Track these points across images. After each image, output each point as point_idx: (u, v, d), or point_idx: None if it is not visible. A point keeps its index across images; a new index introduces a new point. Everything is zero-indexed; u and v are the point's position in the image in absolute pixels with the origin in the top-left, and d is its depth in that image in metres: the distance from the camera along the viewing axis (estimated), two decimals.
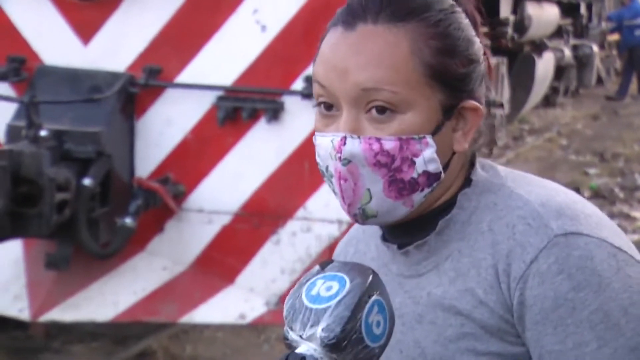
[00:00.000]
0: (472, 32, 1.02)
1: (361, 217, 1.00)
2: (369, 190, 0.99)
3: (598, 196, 6.65)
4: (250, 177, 3.18)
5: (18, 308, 3.21)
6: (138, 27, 3.23)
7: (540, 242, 0.97)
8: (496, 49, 5.24)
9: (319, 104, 1.01)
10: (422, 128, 0.98)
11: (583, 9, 10.82)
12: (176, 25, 3.21)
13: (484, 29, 1.07)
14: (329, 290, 0.91)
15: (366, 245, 1.11)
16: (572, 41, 10.49)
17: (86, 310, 3.20)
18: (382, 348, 0.92)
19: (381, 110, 0.97)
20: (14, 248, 3.22)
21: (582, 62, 11.49)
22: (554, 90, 10.93)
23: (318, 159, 1.01)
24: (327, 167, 1.00)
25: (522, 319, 0.98)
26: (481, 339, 0.99)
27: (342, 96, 0.98)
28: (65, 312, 3.19)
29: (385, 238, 1.06)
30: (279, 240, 3.18)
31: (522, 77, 6.70)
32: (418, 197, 1.00)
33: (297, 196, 3.15)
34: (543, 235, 0.97)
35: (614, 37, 13.02)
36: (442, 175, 1.00)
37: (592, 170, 7.72)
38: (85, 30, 3.27)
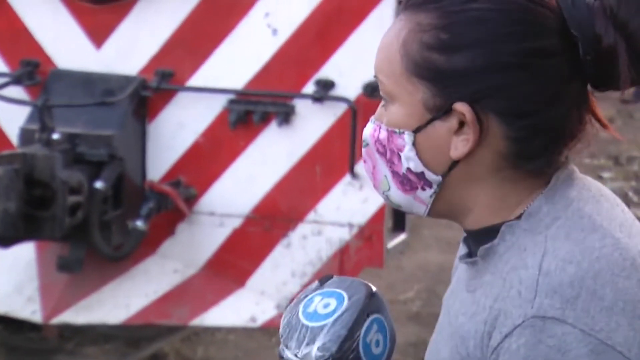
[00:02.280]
0: (517, 30, 0.90)
1: (388, 201, 0.99)
2: (386, 177, 0.97)
3: None
4: (262, 180, 3.19)
5: (31, 310, 3.23)
6: (150, 30, 3.25)
7: (517, 318, 0.88)
8: None
9: None
10: (405, 123, 0.94)
11: None
12: (188, 29, 3.23)
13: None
14: (327, 307, 0.88)
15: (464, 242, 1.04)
16: None
17: (98, 313, 3.21)
18: None
19: (381, 98, 0.98)
20: (27, 250, 3.24)
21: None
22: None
23: None
24: None
25: None
26: None
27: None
28: (78, 315, 3.21)
29: (466, 240, 1.02)
30: (289, 244, 3.19)
31: None
32: (424, 196, 0.95)
33: (308, 199, 3.16)
34: (522, 311, 0.87)
35: None
36: (434, 177, 0.94)
37: (606, 174, 7.68)
38: (98, 34, 3.29)
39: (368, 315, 0.87)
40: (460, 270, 1.04)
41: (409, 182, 0.96)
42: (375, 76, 0.98)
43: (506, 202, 0.95)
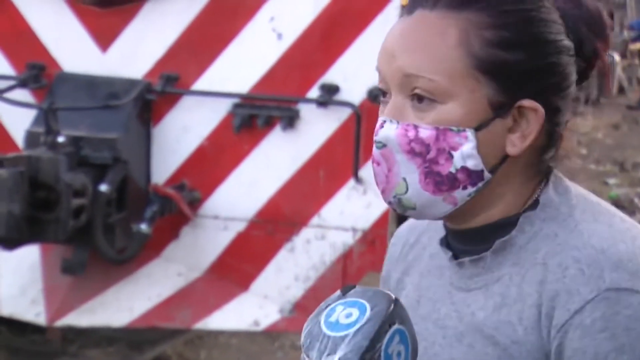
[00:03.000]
0: (551, 31, 0.95)
1: (397, 206, 0.96)
2: (404, 179, 0.95)
3: (617, 206, 6.58)
4: (266, 184, 3.20)
5: (35, 312, 3.24)
6: (156, 34, 3.26)
7: (589, 293, 0.90)
8: None
9: (379, 91, 0.99)
10: (463, 121, 0.93)
11: None
12: (193, 33, 3.24)
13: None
14: (349, 317, 0.87)
15: (429, 239, 1.07)
16: None
17: (102, 316, 3.22)
18: None
19: (420, 98, 0.94)
20: (31, 253, 3.25)
21: (603, 70, 11.40)
22: (574, 99, 10.85)
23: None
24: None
25: None
26: None
27: (390, 80, 0.96)
28: (81, 317, 3.21)
29: (447, 242, 1.02)
30: (293, 248, 3.19)
31: None
32: (461, 195, 0.95)
33: (312, 204, 3.16)
34: (593, 286, 0.91)
35: (636, 46, 12.93)
36: (486, 175, 0.95)
37: (611, 180, 7.66)
38: (104, 37, 3.30)
39: (390, 326, 0.86)
40: (426, 279, 1.03)
41: (451, 181, 0.94)
42: (407, 75, 0.94)
43: (522, 197, 0.98)
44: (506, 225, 0.97)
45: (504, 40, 0.94)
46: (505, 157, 0.96)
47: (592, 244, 0.93)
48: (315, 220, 3.16)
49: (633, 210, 6.53)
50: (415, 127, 0.94)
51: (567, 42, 0.97)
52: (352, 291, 0.91)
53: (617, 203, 6.70)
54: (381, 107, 0.99)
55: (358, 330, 0.86)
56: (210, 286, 3.24)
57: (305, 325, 0.91)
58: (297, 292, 3.16)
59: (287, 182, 3.18)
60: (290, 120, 3.15)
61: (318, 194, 3.15)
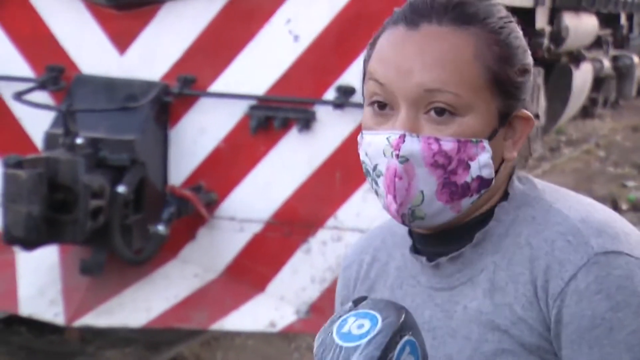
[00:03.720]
0: (525, 41, 1.02)
1: (409, 218, 0.98)
2: (422, 192, 0.97)
3: (636, 209, 6.55)
4: (282, 186, 3.20)
5: (53, 313, 3.26)
6: (173, 37, 3.28)
7: (579, 260, 0.95)
8: (533, 60, 5.21)
9: (372, 103, 1.00)
10: (480, 132, 0.97)
11: (623, 20, 10.67)
12: (210, 35, 3.25)
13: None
14: (361, 328, 0.89)
15: (389, 255, 1.08)
16: (612, 52, 10.34)
17: (119, 316, 3.24)
18: None
19: (440, 111, 0.96)
20: (50, 254, 3.28)
21: (622, 73, 11.32)
22: (592, 101, 10.78)
23: (365, 158, 0.99)
24: (375, 166, 0.98)
25: (559, 337, 0.95)
26: (520, 356, 0.97)
27: (401, 95, 0.97)
28: (99, 318, 3.23)
29: (416, 249, 1.04)
30: (309, 249, 3.19)
31: (558, 88, 6.65)
32: (466, 202, 0.99)
33: (328, 205, 3.16)
34: (583, 253, 0.95)
35: None
36: (493, 182, 1.00)
37: (630, 183, 7.60)
38: (122, 40, 3.33)
39: (401, 337, 0.88)
40: (400, 290, 1.05)
41: (465, 190, 0.98)
42: (428, 90, 0.96)
43: (498, 192, 1.03)
44: (483, 219, 1.01)
45: (507, 56, 0.99)
46: (501, 162, 1.02)
47: (571, 217, 0.98)
48: (331, 221, 3.16)
49: None
50: (437, 140, 0.96)
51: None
52: (364, 302, 0.92)
53: (636, 206, 6.65)
54: (373, 119, 0.99)
55: (370, 341, 0.88)
56: (226, 287, 3.25)
57: (317, 335, 0.92)
58: (313, 293, 3.17)
59: (303, 184, 3.19)
60: (307, 122, 3.16)
61: (334, 195, 3.15)
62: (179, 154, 3.29)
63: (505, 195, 1.02)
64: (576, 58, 7.61)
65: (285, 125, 3.18)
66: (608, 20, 9.58)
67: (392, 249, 1.08)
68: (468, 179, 0.97)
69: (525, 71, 1.01)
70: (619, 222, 1.00)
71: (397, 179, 0.96)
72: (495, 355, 0.97)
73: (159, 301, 3.24)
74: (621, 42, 10.87)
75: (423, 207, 0.97)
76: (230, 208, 3.26)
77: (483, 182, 0.99)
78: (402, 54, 0.98)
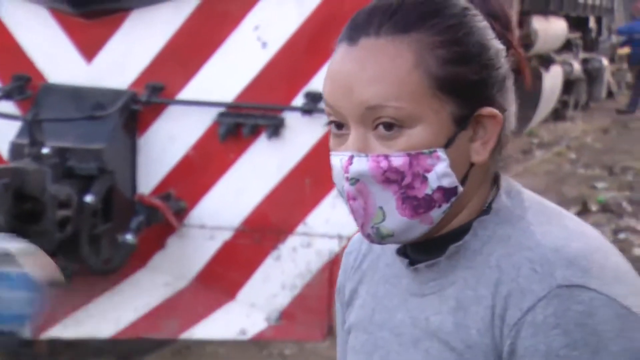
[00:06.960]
0: (488, 36, 0.96)
1: (376, 236, 0.95)
2: (381, 208, 0.94)
3: (606, 210, 6.62)
4: (252, 192, 3.20)
5: None
6: (140, 45, 3.26)
7: (541, 291, 0.90)
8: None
9: (329, 123, 0.97)
10: (433, 142, 0.93)
11: (592, 23, 10.80)
12: (178, 43, 3.24)
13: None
14: None
15: (382, 249, 1.06)
16: (582, 55, 10.46)
17: (87, 327, 3.21)
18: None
19: (388, 126, 0.93)
20: None
21: (592, 75, 11.45)
22: (563, 103, 10.89)
23: (334, 180, 0.97)
24: (342, 187, 0.96)
25: None
26: None
27: (348, 114, 0.94)
28: (67, 329, 3.20)
29: (404, 251, 1.02)
30: (279, 256, 3.19)
31: (529, 92, 6.70)
32: (436, 213, 0.95)
33: (298, 212, 3.16)
34: (545, 284, 0.90)
35: (625, 50, 12.99)
36: (459, 189, 0.95)
37: (600, 184, 7.68)
38: (89, 48, 3.31)
39: None
40: (383, 287, 1.04)
41: (428, 203, 0.95)
42: (371, 107, 0.93)
43: (479, 202, 0.99)
44: (462, 232, 0.98)
45: (457, 56, 0.94)
46: (471, 167, 0.97)
47: (545, 244, 0.93)
48: (301, 228, 3.16)
49: (621, 214, 6.55)
50: (386, 156, 0.93)
51: (500, 43, 0.98)
52: None
53: (605, 207, 6.72)
54: (334, 140, 0.98)
55: None
56: (196, 296, 3.23)
57: None
58: (283, 300, 3.16)
59: (273, 191, 3.19)
60: (276, 129, 3.16)
61: (304, 202, 3.15)
62: (148, 162, 3.27)
63: (488, 209, 0.98)
64: (546, 61, 7.68)
65: (255, 132, 3.18)
66: (577, 23, 9.68)
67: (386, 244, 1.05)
68: (428, 191, 0.94)
69: (484, 67, 0.95)
70: (600, 253, 0.93)
71: (351, 201, 0.95)
72: None
73: (128, 311, 3.22)
74: (591, 45, 11.00)
75: (386, 223, 0.95)
76: (200, 216, 3.25)
77: (448, 192, 0.95)
78: (343, 72, 0.95)
